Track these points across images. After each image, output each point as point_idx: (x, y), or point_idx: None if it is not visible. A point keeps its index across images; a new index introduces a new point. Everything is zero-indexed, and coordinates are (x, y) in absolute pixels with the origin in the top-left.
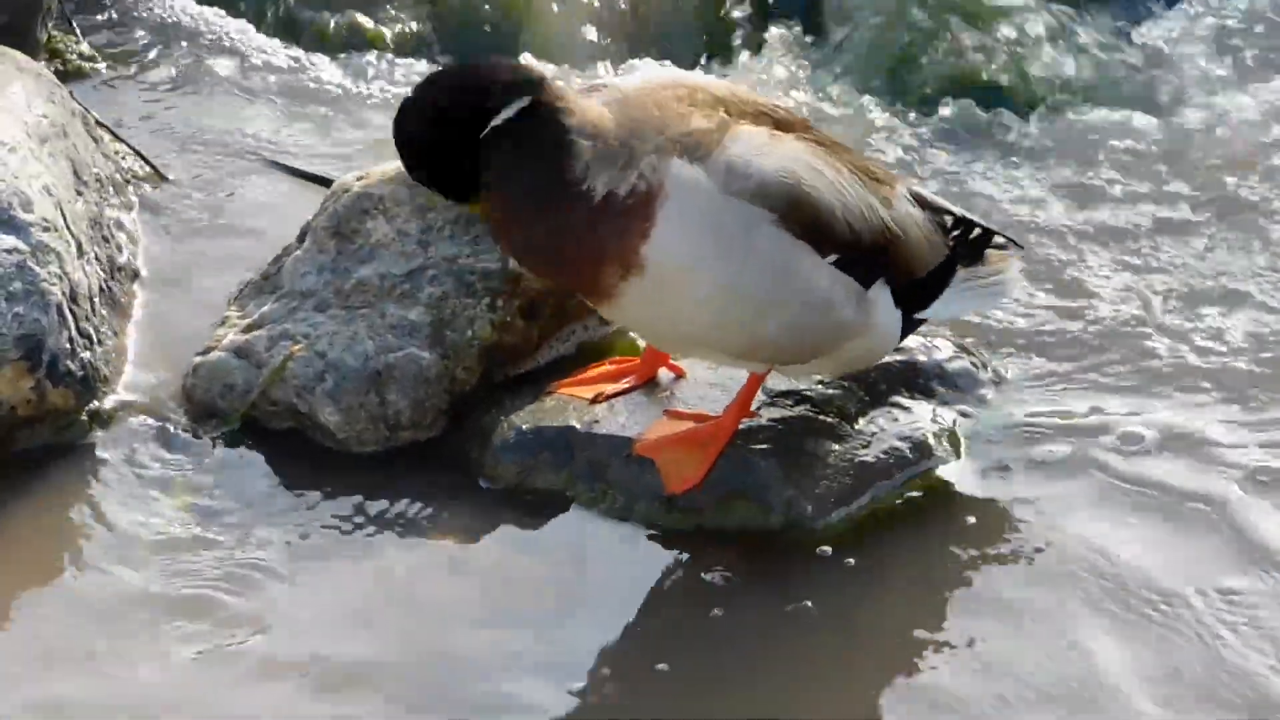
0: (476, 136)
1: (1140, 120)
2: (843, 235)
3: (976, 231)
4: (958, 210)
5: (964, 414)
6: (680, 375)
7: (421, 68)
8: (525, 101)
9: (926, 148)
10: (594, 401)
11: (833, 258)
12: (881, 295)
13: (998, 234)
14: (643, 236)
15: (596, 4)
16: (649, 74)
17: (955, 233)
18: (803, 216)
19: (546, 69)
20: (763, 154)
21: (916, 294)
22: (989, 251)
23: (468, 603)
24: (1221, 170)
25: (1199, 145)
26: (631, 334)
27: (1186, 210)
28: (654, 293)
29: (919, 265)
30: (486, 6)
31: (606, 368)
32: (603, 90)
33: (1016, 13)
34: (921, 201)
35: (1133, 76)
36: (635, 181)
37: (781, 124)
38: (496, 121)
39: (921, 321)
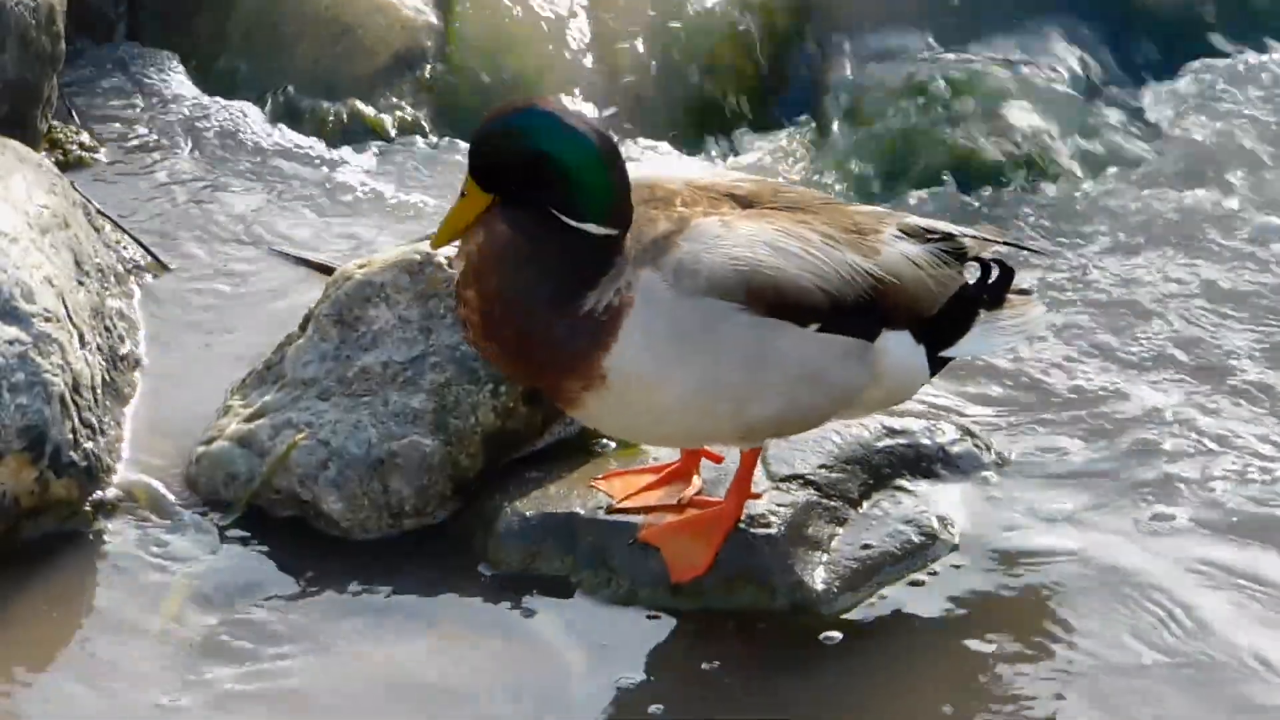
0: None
1: (1147, 196)
2: (819, 303)
3: (995, 273)
4: (953, 228)
5: (968, 496)
6: (718, 461)
7: (422, 155)
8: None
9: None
10: (611, 510)
11: (815, 325)
12: (893, 340)
13: (1012, 245)
14: (604, 350)
15: (598, 90)
16: None
17: (957, 258)
18: (767, 298)
19: None
20: (712, 247)
21: (939, 331)
22: (1010, 296)
23: (472, 690)
24: (1230, 248)
25: (1205, 221)
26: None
27: (1192, 287)
28: (618, 402)
29: (924, 303)
30: (487, 93)
31: (649, 477)
32: None
33: (1018, 93)
34: (915, 233)
35: (1136, 153)
36: (611, 297)
37: (746, 199)
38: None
39: (948, 360)
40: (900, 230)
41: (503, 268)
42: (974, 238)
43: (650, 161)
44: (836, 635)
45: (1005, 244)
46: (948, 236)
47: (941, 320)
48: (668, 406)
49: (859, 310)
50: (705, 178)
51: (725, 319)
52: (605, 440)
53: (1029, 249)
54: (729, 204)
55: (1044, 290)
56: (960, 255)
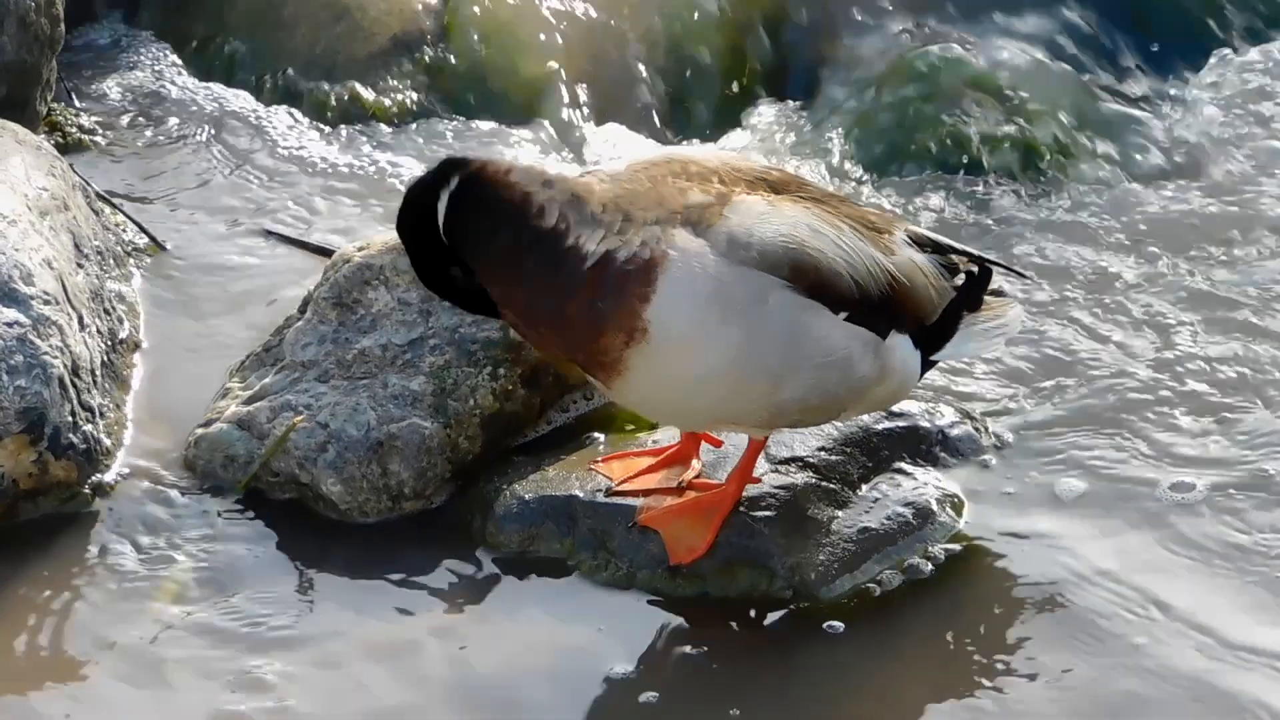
0: (443, 239)
1: (1147, 185)
2: (850, 291)
3: (973, 268)
4: (955, 243)
5: (967, 479)
6: (718, 445)
7: (421, 138)
8: (455, 181)
9: (922, 213)
10: (610, 492)
11: (844, 314)
12: (899, 340)
13: (999, 265)
14: (643, 300)
15: (597, 76)
16: (640, 153)
17: (960, 279)
18: (809, 278)
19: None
20: (763, 221)
21: (931, 336)
22: (988, 298)
23: (470, 673)
24: (1234, 237)
25: (1204, 212)
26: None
27: (1185, 274)
28: (662, 362)
29: (927, 308)
30: (486, 77)
31: (648, 459)
32: (595, 171)
33: (1016, 83)
34: (920, 241)
35: (1135, 142)
36: (638, 248)
37: (776, 186)
38: (441, 211)
39: (935, 362)
40: (908, 235)
41: (493, 263)
42: (965, 254)
43: (673, 145)
44: (835, 621)
45: (993, 264)
46: (943, 250)
47: (935, 328)
48: (705, 373)
49: (878, 306)
50: (738, 160)
51: (772, 292)
52: (596, 435)
53: (1016, 271)
54: (764, 188)
55: (1041, 274)
56: (952, 270)
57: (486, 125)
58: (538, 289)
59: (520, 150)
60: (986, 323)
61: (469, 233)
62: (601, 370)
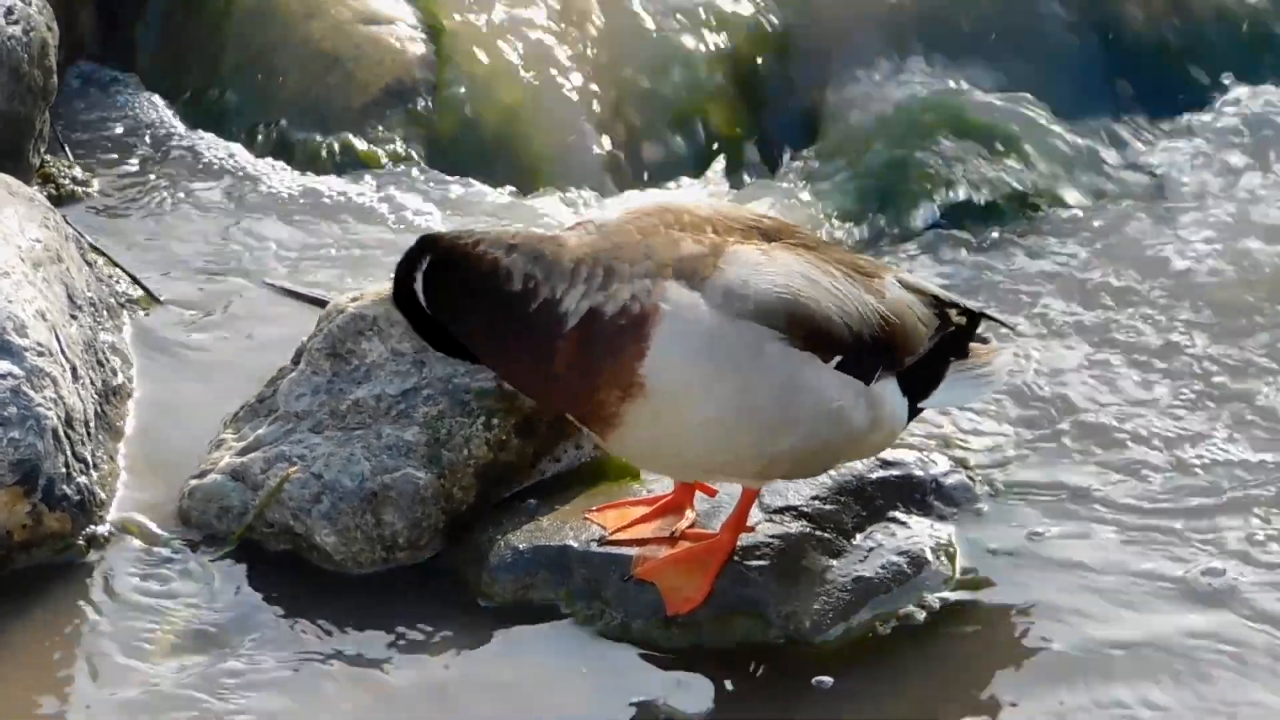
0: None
1: (1141, 229)
2: (843, 338)
3: (961, 320)
4: (944, 293)
5: (961, 528)
6: (712, 495)
7: (414, 188)
8: (427, 261)
9: (920, 259)
10: (604, 541)
11: (836, 360)
12: (887, 387)
13: (988, 317)
14: (638, 355)
15: (589, 121)
16: (632, 202)
17: (950, 328)
18: (804, 328)
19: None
20: (758, 272)
21: (918, 382)
22: (975, 345)
23: None
24: (1224, 285)
25: (1198, 258)
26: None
27: (1181, 324)
28: (658, 416)
29: (915, 347)
30: (479, 126)
31: (642, 509)
32: (584, 224)
33: (1012, 128)
34: (910, 287)
35: (1129, 187)
36: (627, 302)
37: (769, 234)
38: (419, 290)
39: (920, 410)
40: (898, 280)
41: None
42: (954, 305)
43: (673, 191)
44: (830, 670)
45: (983, 316)
46: (935, 299)
47: (923, 370)
48: (700, 425)
49: (870, 350)
50: (730, 209)
51: (767, 343)
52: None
53: (1004, 324)
54: (757, 236)
55: (1034, 321)
56: (943, 319)
57: (479, 174)
58: (516, 352)
59: (512, 203)
60: (975, 370)
61: (446, 308)
62: (597, 424)
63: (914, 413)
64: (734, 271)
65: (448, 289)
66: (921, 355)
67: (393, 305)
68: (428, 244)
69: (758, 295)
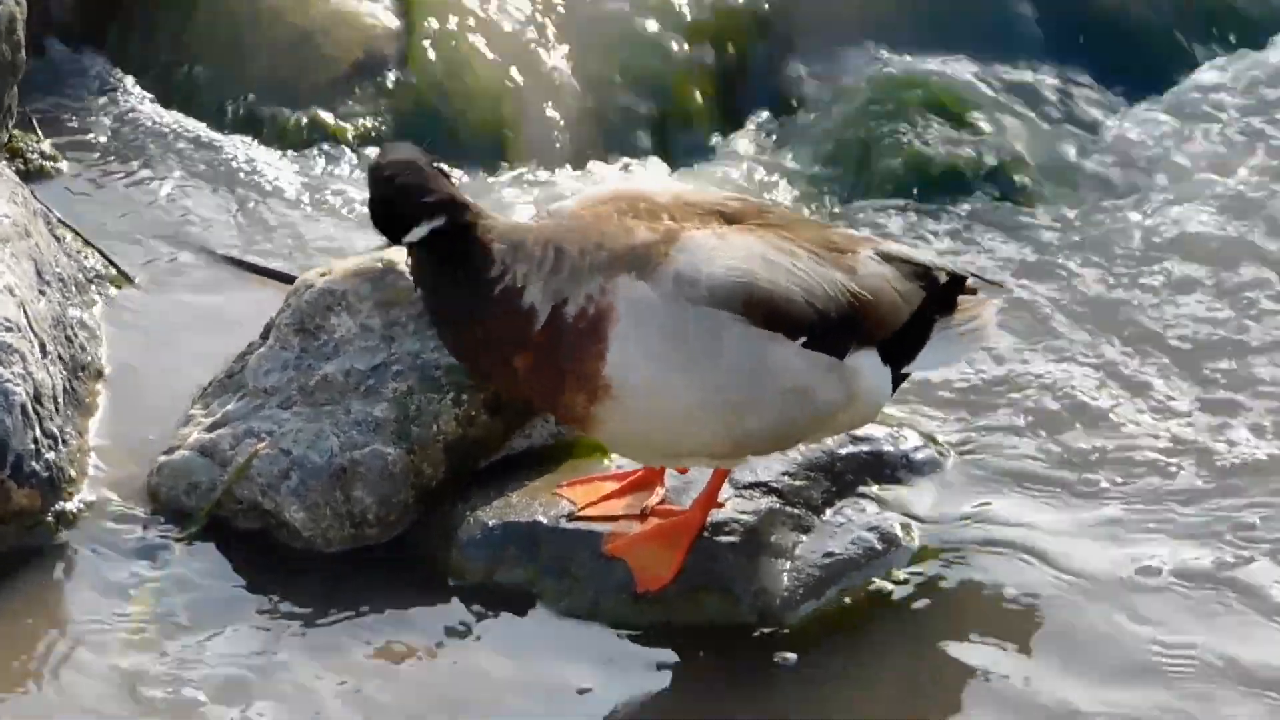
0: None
1: (1110, 206)
2: (807, 316)
3: (944, 278)
4: (928, 259)
5: (931, 502)
6: (683, 472)
7: None
8: (439, 222)
9: (892, 233)
10: (574, 517)
11: (802, 339)
12: (865, 359)
13: (975, 276)
14: (598, 358)
15: (559, 98)
16: (591, 190)
17: (926, 283)
18: (763, 309)
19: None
20: (710, 259)
21: (901, 348)
22: (962, 298)
23: (433, 703)
24: (1191, 259)
25: (1159, 232)
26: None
27: (1153, 294)
28: (627, 413)
29: (895, 321)
30: (448, 102)
31: (612, 484)
32: (545, 213)
33: (982, 104)
34: (890, 257)
35: (1099, 164)
36: (584, 303)
37: (732, 217)
38: (415, 234)
39: (907, 376)
40: (876, 253)
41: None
42: (939, 268)
43: (638, 174)
44: (800, 646)
45: (971, 275)
46: (911, 262)
47: (904, 337)
48: (673, 414)
49: (839, 327)
50: (692, 194)
51: (726, 328)
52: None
53: (992, 282)
54: (717, 220)
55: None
56: (926, 279)
57: (448, 151)
58: (481, 339)
59: (481, 179)
60: (961, 325)
61: (424, 270)
62: (570, 422)
63: (900, 379)
64: (686, 258)
65: (443, 260)
66: (903, 324)
67: (371, 221)
68: (454, 209)
69: (710, 280)
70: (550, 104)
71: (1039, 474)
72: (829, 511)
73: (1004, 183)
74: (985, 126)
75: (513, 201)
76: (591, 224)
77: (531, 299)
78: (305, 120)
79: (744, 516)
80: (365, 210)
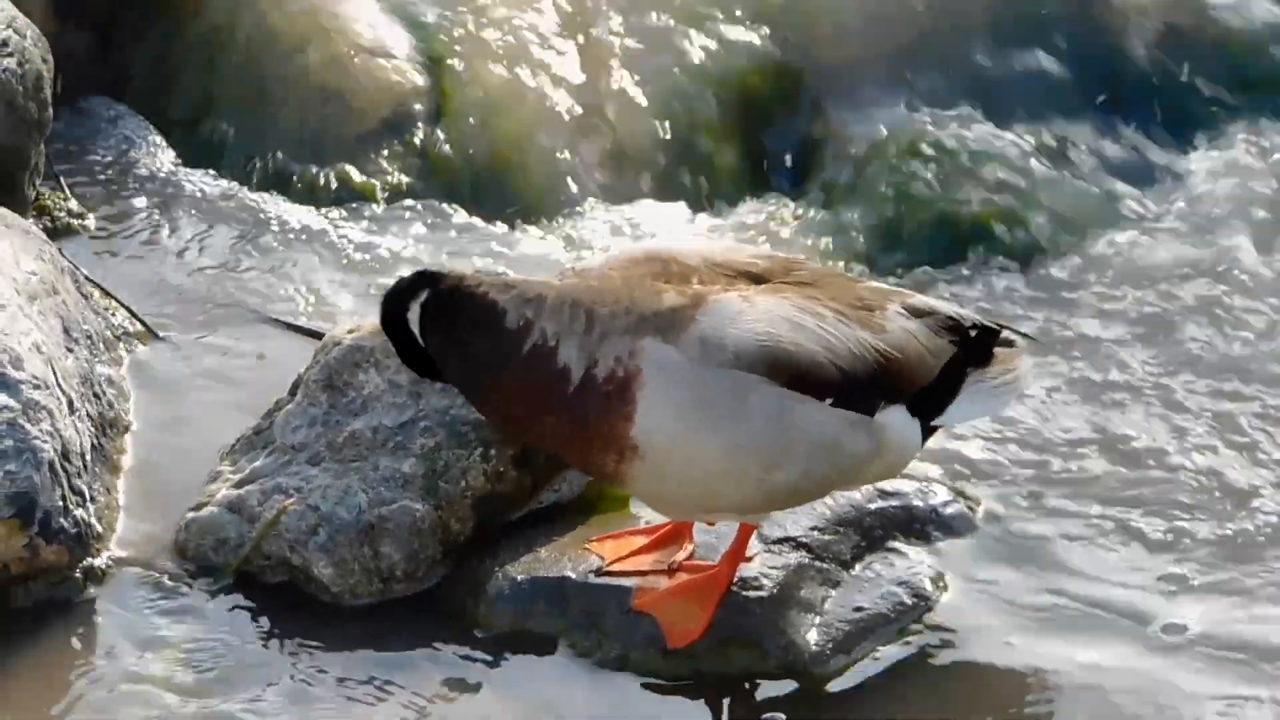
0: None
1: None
2: (833, 378)
3: (974, 331)
4: (958, 311)
5: (960, 559)
6: (712, 525)
7: (412, 219)
8: (425, 294)
9: (923, 286)
10: (602, 572)
11: (829, 400)
12: (893, 414)
13: (1006, 328)
14: (626, 419)
15: (586, 153)
16: (622, 250)
17: (957, 336)
18: (787, 373)
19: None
20: (735, 322)
21: (930, 402)
22: (998, 350)
23: None
24: (1237, 326)
25: (1203, 282)
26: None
27: (1187, 346)
28: (656, 473)
29: (924, 376)
30: (476, 157)
31: (641, 539)
32: (572, 271)
33: (1013, 157)
34: (919, 311)
35: (1134, 218)
36: (612, 365)
37: (761, 277)
38: (414, 321)
39: (937, 428)
40: (904, 308)
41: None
42: (969, 321)
43: (671, 235)
44: (828, 702)
45: (1000, 327)
46: (949, 318)
47: (934, 390)
48: (702, 474)
49: (866, 386)
50: (721, 254)
51: (752, 390)
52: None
53: (1022, 334)
54: (745, 281)
55: (1039, 352)
56: (954, 328)
57: (476, 206)
58: (515, 395)
59: (510, 234)
60: (996, 378)
61: (439, 344)
62: (601, 479)
63: (929, 431)
64: (710, 322)
65: (443, 325)
66: (933, 378)
67: (381, 330)
68: (427, 279)
69: (737, 344)
70: (579, 159)
71: (1072, 532)
72: (858, 566)
73: (1034, 236)
74: (1017, 180)
75: (543, 255)
76: (621, 287)
77: (566, 359)
78: (333, 176)
79: (773, 571)
80: (392, 264)
